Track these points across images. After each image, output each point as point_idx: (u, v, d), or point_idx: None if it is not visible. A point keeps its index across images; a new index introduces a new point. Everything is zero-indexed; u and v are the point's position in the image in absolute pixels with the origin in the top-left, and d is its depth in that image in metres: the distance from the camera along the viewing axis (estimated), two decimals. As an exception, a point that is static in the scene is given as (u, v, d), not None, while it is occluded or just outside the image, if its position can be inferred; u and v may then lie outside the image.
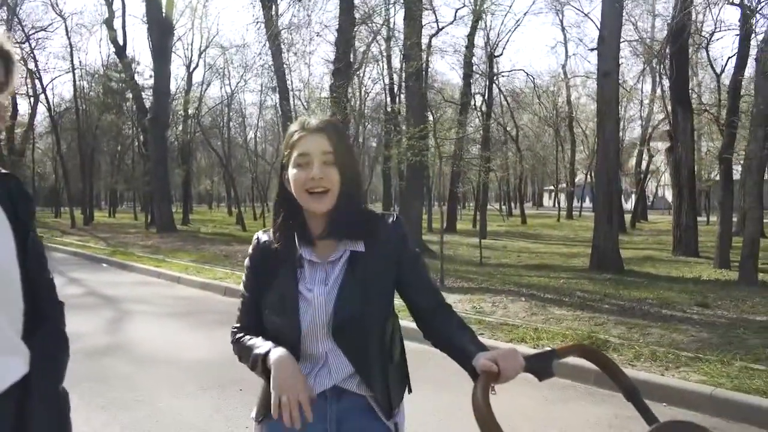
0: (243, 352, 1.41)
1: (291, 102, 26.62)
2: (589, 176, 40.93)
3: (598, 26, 11.95)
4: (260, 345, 1.36)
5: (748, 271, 9.39)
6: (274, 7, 17.30)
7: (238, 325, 1.49)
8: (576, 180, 41.71)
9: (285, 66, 19.82)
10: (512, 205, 42.40)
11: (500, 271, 11.33)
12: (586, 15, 30.63)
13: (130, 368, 4.68)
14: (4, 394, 1.11)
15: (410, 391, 1.51)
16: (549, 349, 1.28)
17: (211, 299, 8.14)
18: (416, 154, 13.15)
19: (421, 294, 1.45)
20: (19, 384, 1.14)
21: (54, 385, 1.23)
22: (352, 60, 18.77)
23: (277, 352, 1.31)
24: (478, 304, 7.39)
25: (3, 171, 1.25)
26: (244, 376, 4.16)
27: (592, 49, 14.56)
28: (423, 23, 22.05)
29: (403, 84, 18.25)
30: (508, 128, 30.00)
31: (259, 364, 1.33)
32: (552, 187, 48.51)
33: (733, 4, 11.75)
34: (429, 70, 29.61)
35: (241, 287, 1.51)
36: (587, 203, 53.80)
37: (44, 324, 1.24)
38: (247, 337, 1.43)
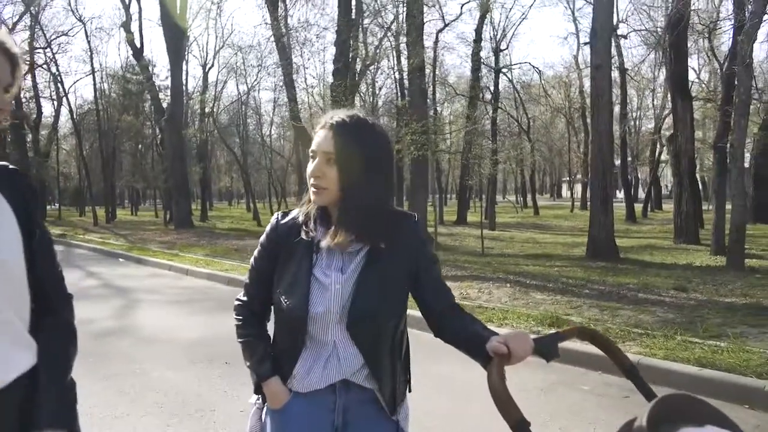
0: (244, 349, 1.51)
1: (306, 98, 27.31)
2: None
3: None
4: (259, 361, 1.47)
5: (736, 258, 9.63)
6: (282, 6, 17.84)
7: (244, 298, 1.55)
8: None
9: (298, 64, 20.46)
10: (528, 196, 42.53)
11: (498, 260, 11.69)
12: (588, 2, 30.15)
13: (131, 347, 5.26)
14: (12, 385, 1.15)
15: (410, 390, 1.54)
16: (554, 332, 1.34)
17: (214, 289, 8.73)
18: (419, 149, 13.60)
19: (435, 296, 1.47)
20: (26, 376, 1.18)
21: (61, 377, 1.24)
22: (365, 56, 19.27)
23: (270, 383, 1.44)
24: (465, 291, 7.81)
25: (11, 167, 1.26)
26: (231, 352, 4.72)
27: (585, 43, 14.76)
28: (430, 19, 22.47)
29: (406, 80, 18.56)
30: (520, 120, 30.22)
31: (254, 381, 1.47)
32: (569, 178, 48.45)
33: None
34: (442, 63, 30.04)
35: (251, 261, 1.54)
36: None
37: (52, 317, 1.27)
38: (252, 333, 1.51)
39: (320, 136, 1.39)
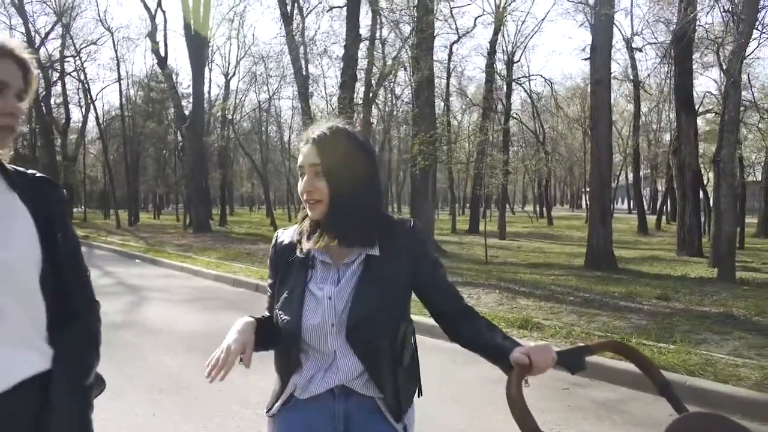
0: None
1: (325, 107, 28.01)
2: (624, 177, 41.21)
3: (621, 26, 12.46)
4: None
5: (726, 270, 9.85)
6: (299, 18, 18.54)
7: None
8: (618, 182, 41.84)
9: (316, 74, 21.07)
10: (544, 206, 42.68)
11: (499, 268, 12.02)
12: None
13: (136, 337, 5.82)
14: (26, 389, 1.14)
15: (420, 394, 1.54)
16: (582, 344, 1.33)
17: (220, 289, 9.32)
18: (426, 159, 14.04)
19: (443, 299, 1.48)
20: (41, 381, 1.17)
21: (75, 383, 1.23)
22: (382, 66, 19.86)
23: (240, 319, 1.41)
24: (455, 296, 8.21)
25: (38, 174, 1.29)
26: (218, 344, 5.22)
27: (585, 59, 15.10)
28: (446, 32, 22.96)
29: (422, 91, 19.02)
30: (537, 132, 30.48)
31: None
32: (585, 190, 48.34)
33: (726, 11, 12.16)
34: (461, 74, 30.51)
35: (267, 287, 1.57)
36: (623, 204, 53.51)
37: (75, 322, 1.26)
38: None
39: (305, 151, 1.41)
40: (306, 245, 1.44)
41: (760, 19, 9.38)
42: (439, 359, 4.79)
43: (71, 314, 1.26)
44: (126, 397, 3.97)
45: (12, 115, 1.17)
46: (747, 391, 3.85)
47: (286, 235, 1.53)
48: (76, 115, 37.31)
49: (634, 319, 6.60)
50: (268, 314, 1.53)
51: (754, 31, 11.97)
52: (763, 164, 20.06)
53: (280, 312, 1.43)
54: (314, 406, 1.42)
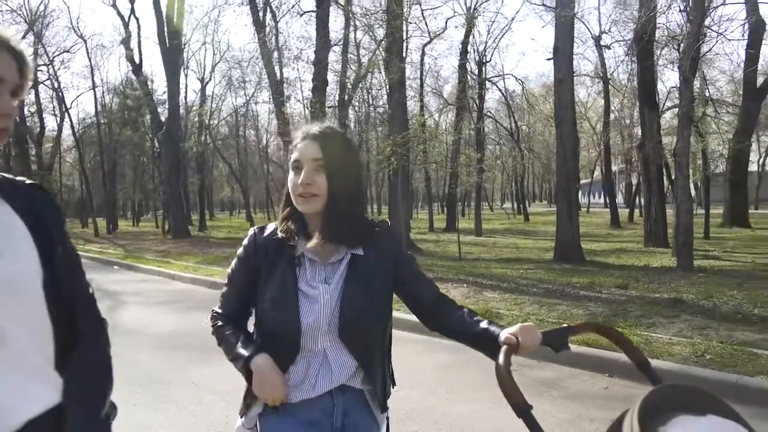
0: (225, 345, 1.47)
1: (302, 110, 28.31)
2: (599, 173, 42.05)
3: (590, 25, 12.89)
4: (243, 346, 1.43)
5: (684, 259, 10.29)
6: (272, 23, 18.74)
7: (219, 310, 1.54)
8: (595, 176, 42.61)
9: (292, 78, 21.25)
10: (522, 203, 43.38)
11: (471, 264, 12.35)
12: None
13: (111, 337, 6.00)
14: (36, 424, 1.01)
15: (394, 384, 1.63)
16: (565, 326, 1.41)
17: (197, 291, 9.57)
18: (398, 159, 14.36)
19: (422, 288, 1.55)
20: (52, 414, 1.04)
21: (93, 418, 1.11)
22: (358, 69, 20.17)
23: (257, 360, 1.39)
24: (425, 291, 8.53)
25: (28, 181, 1.17)
26: (194, 341, 5.50)
27: (549, 59, 15.57)
28: (419, 34, 23.35)
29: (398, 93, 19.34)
30: (511, 129, 31.02)
31: (241, 366, 1.40)
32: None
33: (681, 11, 12.64)
34: (438, 74, 30.91)
35: (228, 274, 1.54)
36: (600, 199, 54.42)
37: (83, 345, 1.15)
38: (231, 330, 1.49)
39: (305, 146, 1.44)
40: (305, 244, 1.44)
41: (710, 20, 9.80)
42: (398, 349, 5.11)
43: (77, 336, 1.14)
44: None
45: (7, 116, 1.06)
46: (672, 364, 4.24)
47: (266, 231, 1.52)
48: (51, 123, 37.04)
49: (592, 307, 6.97)
50: (229, 312, 1.54)
51: (710, 31, 12.55)
52: (726, 157, 20.74)
53: (271, 312, 1.42)
54: (309, 405, 1.43)
